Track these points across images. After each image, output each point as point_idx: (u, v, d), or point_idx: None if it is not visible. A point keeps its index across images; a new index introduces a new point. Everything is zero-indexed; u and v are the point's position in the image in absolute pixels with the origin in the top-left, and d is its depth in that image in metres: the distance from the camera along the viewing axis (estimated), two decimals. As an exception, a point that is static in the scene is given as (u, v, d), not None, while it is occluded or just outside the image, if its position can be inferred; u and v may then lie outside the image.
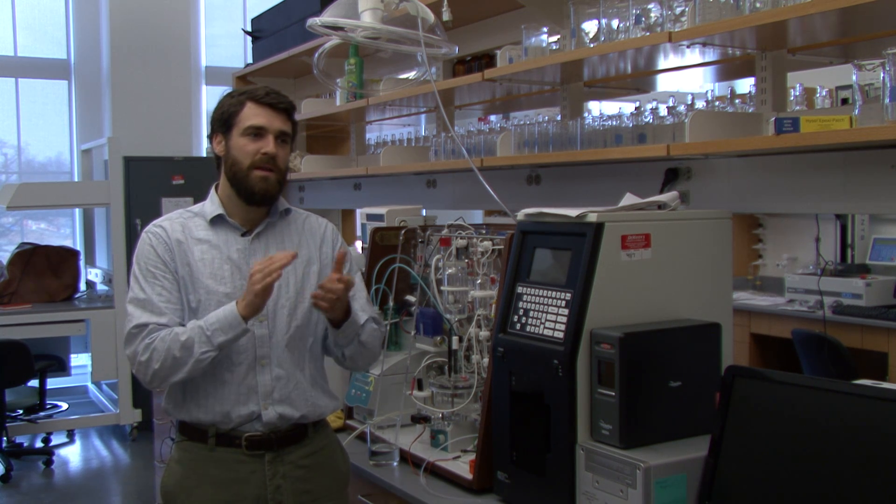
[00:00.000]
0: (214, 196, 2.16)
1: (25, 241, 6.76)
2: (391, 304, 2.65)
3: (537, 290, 2.00)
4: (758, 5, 2.11)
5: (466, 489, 2.15)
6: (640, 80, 3.29)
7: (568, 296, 1.91)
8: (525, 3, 3.11)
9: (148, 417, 5.58)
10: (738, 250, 5.86)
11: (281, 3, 5.06)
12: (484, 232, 2.41)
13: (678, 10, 2.38)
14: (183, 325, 2.03)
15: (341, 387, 2.73)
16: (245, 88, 2.14)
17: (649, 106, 2.94)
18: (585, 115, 3.09)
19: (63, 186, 6.52)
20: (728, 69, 3.02)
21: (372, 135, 5.12)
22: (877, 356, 4.67)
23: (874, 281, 5.02)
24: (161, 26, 7.06)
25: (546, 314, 1.95)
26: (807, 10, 1.95)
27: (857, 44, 2.47)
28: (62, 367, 6.61)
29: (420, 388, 2.43)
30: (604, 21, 2.56)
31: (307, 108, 4.56)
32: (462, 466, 2.22)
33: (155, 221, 2.15)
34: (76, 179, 7.03)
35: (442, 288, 2.44)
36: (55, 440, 6.11)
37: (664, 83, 3.41)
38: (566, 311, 1.90)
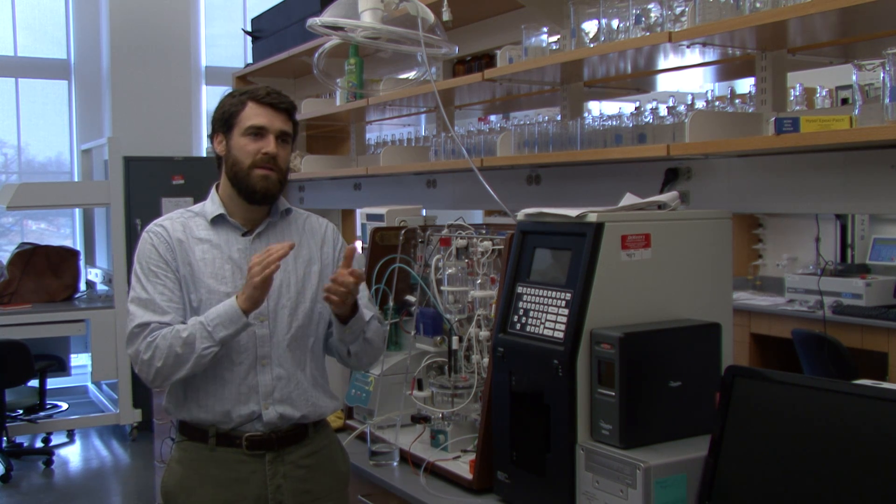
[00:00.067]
0: (215, 196, 2.17)
1: (25, 241, 6.76)
2: (391, 304, 2.65)
3: (537, 290, 2.00)
4: (758, 5, 2.11)
5: (466, 489, 2.15)
6: (640, 80, 3.29)
7: (568, 296, 1.91)
8: (525, 3, 3.11)
9: (148, 417, 5.58)
10: (738, 250, 5.86)
11: (281, 3, 5.06)
12: (484, 232, 2.41)
13: (678, 10, 2.38)
14: (184, 324, 2.04)
15: (341, 387, 2.73)
16: (246, 88, 2.15)
17: (649, 106, 2.94)
18: (585, 115, 3.09)
19: (63, 186, 6.52)
20: (728, 69, 3.02)
21: (372, 135, 5.11)
22: (877, 356, 4.67)
23: (874, 281, 5.02)
24: (161, 26, 7.06)
25: (546, 314, 1.95)
26: (807, 10, 1.95)
27: (857, 44, 2.47)
28: (62, 367, 6.61)
29: (420, 388, 2.43)
30: (604, 21, 2.56)
31: (307, 108, 4.56)
32: (462, 466, 2.22)
33: (156, 221, 2.16)
34: (76, 179, 7.03)
35: (442, 288, 2.44)
36: (55, 440, 6.11)
37: (664, 83, 3.41)
38: (566, 311, 1.90)
